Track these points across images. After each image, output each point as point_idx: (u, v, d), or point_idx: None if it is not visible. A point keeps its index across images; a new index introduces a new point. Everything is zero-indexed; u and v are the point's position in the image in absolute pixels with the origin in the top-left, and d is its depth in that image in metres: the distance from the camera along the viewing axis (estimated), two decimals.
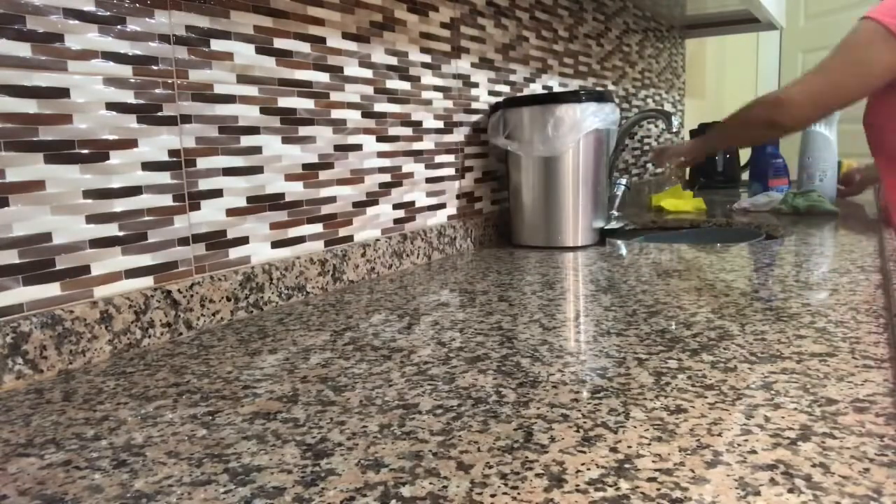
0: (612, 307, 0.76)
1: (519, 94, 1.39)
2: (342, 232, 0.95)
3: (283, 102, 0.85)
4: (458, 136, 1.20)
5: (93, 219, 0.65)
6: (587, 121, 1.14)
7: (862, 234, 1.19)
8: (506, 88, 1.35)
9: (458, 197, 1.21)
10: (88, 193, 0.65)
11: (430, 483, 0.38)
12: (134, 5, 0.68)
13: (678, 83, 2.58)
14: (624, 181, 1.36)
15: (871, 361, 0.55)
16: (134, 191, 0.69)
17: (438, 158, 1.15)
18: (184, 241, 0.74)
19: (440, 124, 1.15)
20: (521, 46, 1.41)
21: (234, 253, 0.80)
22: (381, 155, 1.02)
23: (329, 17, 0.91)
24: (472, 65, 1.23)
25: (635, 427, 0.44)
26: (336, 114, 0.93)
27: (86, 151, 0.65)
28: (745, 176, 2.20)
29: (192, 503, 0.37)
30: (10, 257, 0.59)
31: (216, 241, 0.77)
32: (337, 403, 0.51)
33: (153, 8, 0.70)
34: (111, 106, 0.66)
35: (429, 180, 1.13)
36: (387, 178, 1.03)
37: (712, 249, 1.11)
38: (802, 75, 1.23)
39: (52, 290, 0.62)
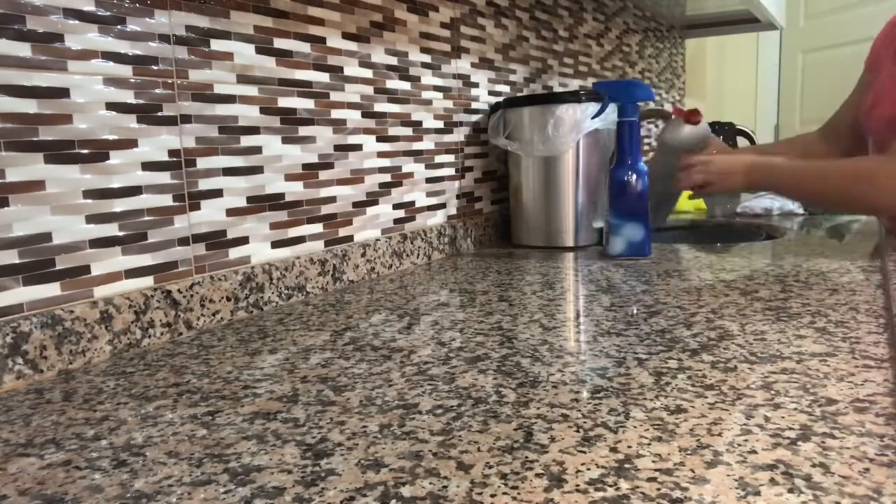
0: (612, 307, 0.76)
1: (519, 94, 1.39)
2: (342, 232, 0.95)
3: (283, 102, 0.85)
4: (458, 136, 1.20)
5: (93, 219, 0.65)
6: (587, 121, 1.14)
7: (862, 235, 1.19)
8: (506, 88, 1.35)
9: (458, 197, 1.21)
10: (88, 193, 0.65)
11: (430, 483, 0.38)
12: (134, 5, 0.68)
13: (678, 83, 2.58)
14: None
15: (871, 361, 0.55)
16: (134, 191, 0.69)
17: (438, 158, 1.15)
18: (184, 241, 0.74)
19: (440, 124, 1.15)
20: (521, 46, 1.41)
21: (234, 253, 0.80)
22: (381, 155, 1.02)
23: (329, 17, 0.91)
24: (472, 65, 1.23)
25: (635, 427, 0.44)
26: (336, 114, 0.93)
27: (86, 151, 0.65)
28: None
29: (192, 503, 0.37)
30: (10, 257, 0.59)
31: (216, 241, 0.77)
32: (337, 403, 0.51)
33: (153, 8, 0.70)
34: (111, 106, 0.66)
35: (429, 180, 1.13)
36: (387, 178, 1.03)
37: (712, 249, 1.11)
38: None
39: (52, 290, 0.62)
